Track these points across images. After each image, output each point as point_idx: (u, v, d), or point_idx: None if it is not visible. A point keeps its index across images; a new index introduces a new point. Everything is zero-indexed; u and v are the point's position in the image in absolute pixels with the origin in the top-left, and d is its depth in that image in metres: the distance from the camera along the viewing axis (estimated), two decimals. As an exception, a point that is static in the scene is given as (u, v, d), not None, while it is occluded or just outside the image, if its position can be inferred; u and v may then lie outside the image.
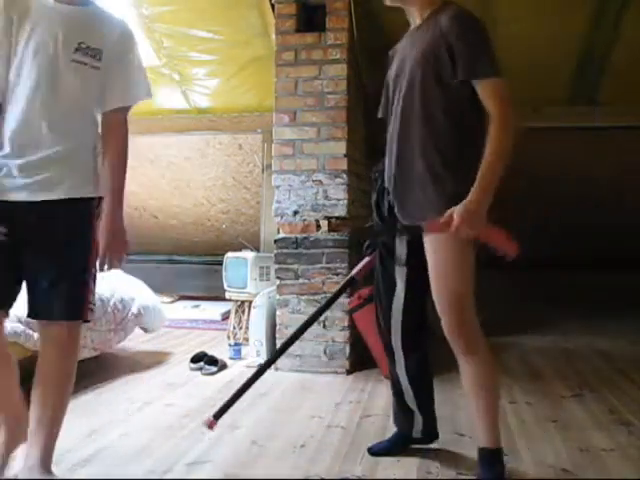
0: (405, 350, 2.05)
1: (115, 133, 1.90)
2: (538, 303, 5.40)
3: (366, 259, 2.14)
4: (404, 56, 1.87)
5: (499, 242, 1.71)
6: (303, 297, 3.29)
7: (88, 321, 1.82)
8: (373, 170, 2.08)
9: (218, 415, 2.07)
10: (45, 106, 1.71)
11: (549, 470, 2.02)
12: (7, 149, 1.71)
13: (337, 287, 2.31)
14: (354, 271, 2.17)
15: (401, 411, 2.15)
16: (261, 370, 2.15)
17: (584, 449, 2.19)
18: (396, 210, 1.91)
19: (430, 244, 1.82)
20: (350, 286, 2.22)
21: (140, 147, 5.14)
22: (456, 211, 1.68)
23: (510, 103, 1.72)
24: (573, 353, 3.76)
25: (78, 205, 1.78)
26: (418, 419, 2.12)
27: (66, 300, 1.75)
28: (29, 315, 1.78)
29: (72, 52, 1.73)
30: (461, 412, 2.61)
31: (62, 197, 1.74)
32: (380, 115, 2.07)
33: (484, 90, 1.74)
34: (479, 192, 1.69)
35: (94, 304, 1.85)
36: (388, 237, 2.00)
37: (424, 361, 2.11)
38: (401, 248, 1.97)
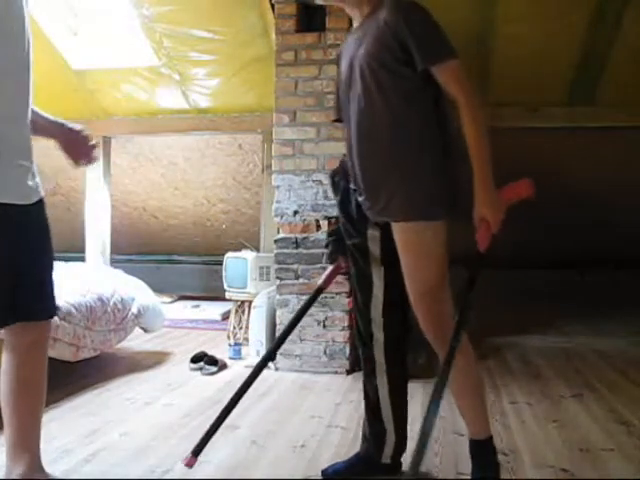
0: (388, 356, 1.92)
1: None
2: (538, 303, 5.40)
3: (330, 267, 2.05)
4: (352, 55, 1.82)
5: (516, 195, 1.74)
6: (303, 297, 3.29)
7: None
8: (331, 174, 2.02)
9: (197, 451, 1.86)
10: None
11: (549, 470, 2.02)
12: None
13: (308, 298, 2.14)
14: (320, 281, 2.06)
15: (373, 431, 1.96)
16: (233, 400, 1.92)
17: (584, 449, 2.19)
18: (366, 208, 1.83)
19: (398, 235, 1.78)
20: (318, 297, 2.08)
21: (140, 147, 5.14)
22: (480, 217, 1.68)
23: (470, 84, 1.70)
24: (573, 353, 3.76)
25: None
26: (390, 440, 1.94)
27: (52, 298, 1.77)
28: (18, 319, 1.68)
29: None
30: (461, 412, 2.61)
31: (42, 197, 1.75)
32: (334, 117, 2.03)
33: (443, 75, 1.70)
34: (481, 188, 1.68)
35: None
36: (359, 238, 1.91)
37: (406, 368, 1.98)
38: (374, 247, 1.88)
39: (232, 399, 1.92)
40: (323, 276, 2.07)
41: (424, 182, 1.74)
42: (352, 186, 1.89)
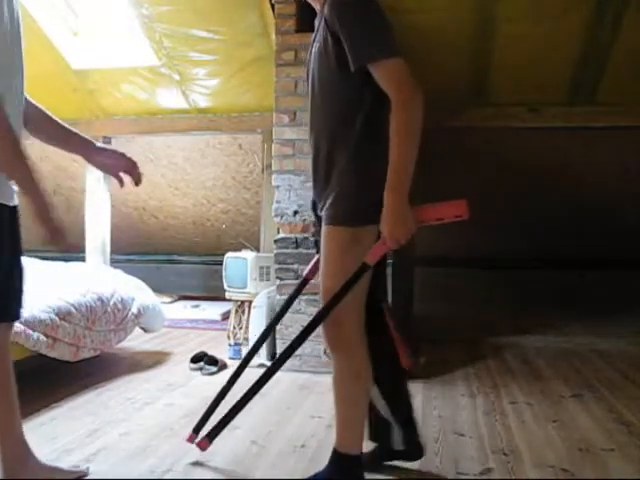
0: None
1: None
2: (538, 303, 5.40)
3: (316, 257, 2.01)
4: (310, 51, 1.80)
5: (443, 215, 1.64)
6: (303, 297, 3.29)
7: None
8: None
9: (197, 429, 1.98)
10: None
11: (549, 470, 2.02)
12: None
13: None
14: (305, 271, 2.06)
15: (378, 422, 1.97)
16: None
17: (584, 449, 2.19)
18: (316, 203, 1.85)
19: (322, 234, 1.76)
20: (303, 288, 2.08)
21: (140, 147, 5.14)
22: (383, 230, 1.61)
23: (409, 84, 1.56)
24: (573, 353, 3.76)
25: None
26: (395, 428, 1.96)
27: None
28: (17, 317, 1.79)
29: None
30: (461, 412, 2.61)
31: None
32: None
33: (378, 74, 1.59)
34: (391, 199, 1.59)
35: None
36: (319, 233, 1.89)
37: (387, 363, 1.91)
38: None
39: (225, 387, 2.07)
40: (308, 267, 2.06)
41: (353, 190, 1.69)
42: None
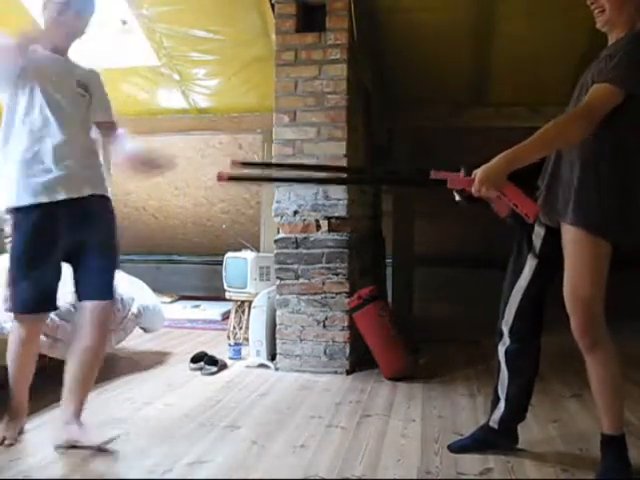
0: (512, 333, 2.12)
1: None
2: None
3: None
4: (588, 71, 1.94)
5: (519, 201, 1.77)
6: (303, 297, 3.29)
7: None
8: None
9: None
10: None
11: (549, 470, 2.02)
12: None
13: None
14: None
15: (494, 396, 2.17)
16: None
17: (584, 449, 2.19)
18: (540, 203, 1.95)
19: (566, 245, 1.89)
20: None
21: (140, 147, 5.14)
22: (477, 171, 1.79)
23: (596, 109, 1.74)
24: (573, 353, 3.74)
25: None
26: (500, 408, 2.13)
27: None
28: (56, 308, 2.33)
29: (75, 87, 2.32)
30: (461, 412, 2.61)
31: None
32: None
33: (592, 88, 1.78)
34: (503, 157, 1.77)
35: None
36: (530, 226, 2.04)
37: (529, 353, 2.18)
38: (537, 239, 2.04)
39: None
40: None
41: (607, 200, 1.82)
42: (539, 181, 2.00)
